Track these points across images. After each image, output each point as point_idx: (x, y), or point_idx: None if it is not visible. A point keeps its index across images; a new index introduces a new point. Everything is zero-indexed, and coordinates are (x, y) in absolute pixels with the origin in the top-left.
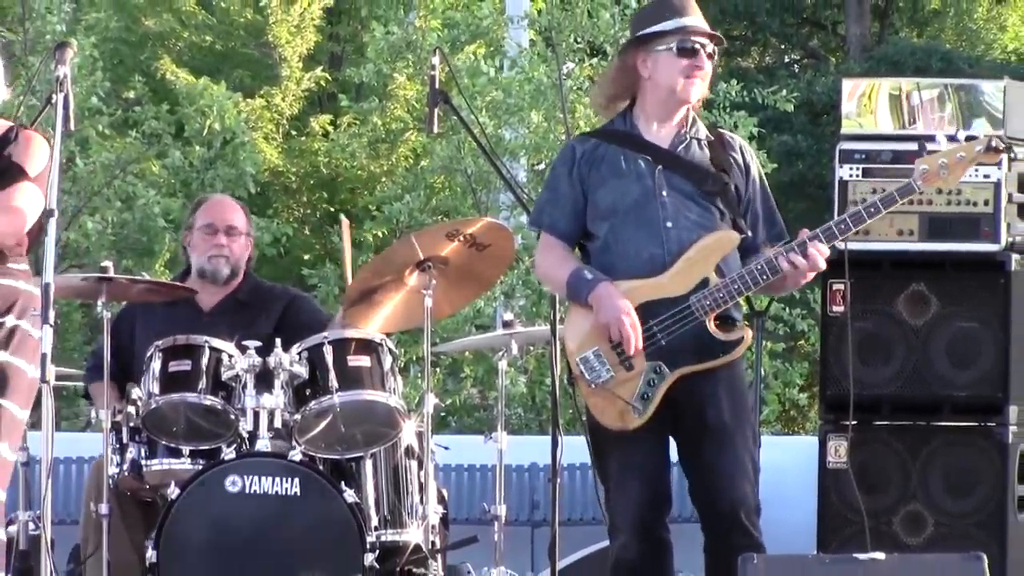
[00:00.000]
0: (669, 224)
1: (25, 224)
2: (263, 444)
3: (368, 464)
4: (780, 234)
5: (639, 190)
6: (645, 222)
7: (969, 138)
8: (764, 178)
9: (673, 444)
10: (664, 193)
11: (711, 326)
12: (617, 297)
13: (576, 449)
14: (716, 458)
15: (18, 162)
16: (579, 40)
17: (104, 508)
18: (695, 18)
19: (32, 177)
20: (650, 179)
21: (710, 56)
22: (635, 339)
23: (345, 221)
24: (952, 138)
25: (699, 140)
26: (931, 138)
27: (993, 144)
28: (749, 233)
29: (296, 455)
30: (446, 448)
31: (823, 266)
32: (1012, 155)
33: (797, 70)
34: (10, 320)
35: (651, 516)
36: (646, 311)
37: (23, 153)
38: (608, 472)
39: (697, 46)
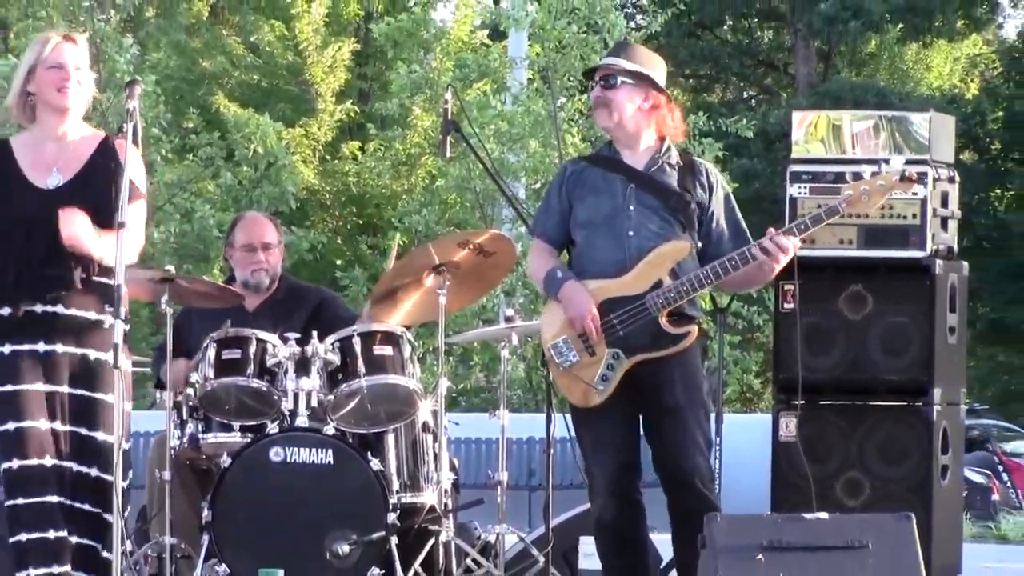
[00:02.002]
0: (631, 233)
1: (140, 246)
2: (302, 420)
3: (391, 437)
4: (746, 244)
5: (611, 205)
6: (613, 232)
7: (887, 163)
8: (731, 198)
9: None
10: (631, 207)
11: (663, 321)
12: (581, 294)
13: (567, 424)
14: (672, 434)
15: (134, 181)
16: (571, 79)
17: (167, 475)
18: (607, 58)
19: (140, 191)
20: (621, 196)
21: (605, 87)
22: (595, 330)
23: (396, 241)
24: (875, 166)
25: (671, 164)
26: (872, 162)
27: (907, 174)
28: (700, 244)
29: (329, 430)
30: (457, 424)
31: (785, 260)
32: (936, 175)
33: (754, 104)
34: (107, 320)
35: (624, 481)
36: (608, 306)
37: (135, 170)
38: (584, 445)
39: (593, 83)
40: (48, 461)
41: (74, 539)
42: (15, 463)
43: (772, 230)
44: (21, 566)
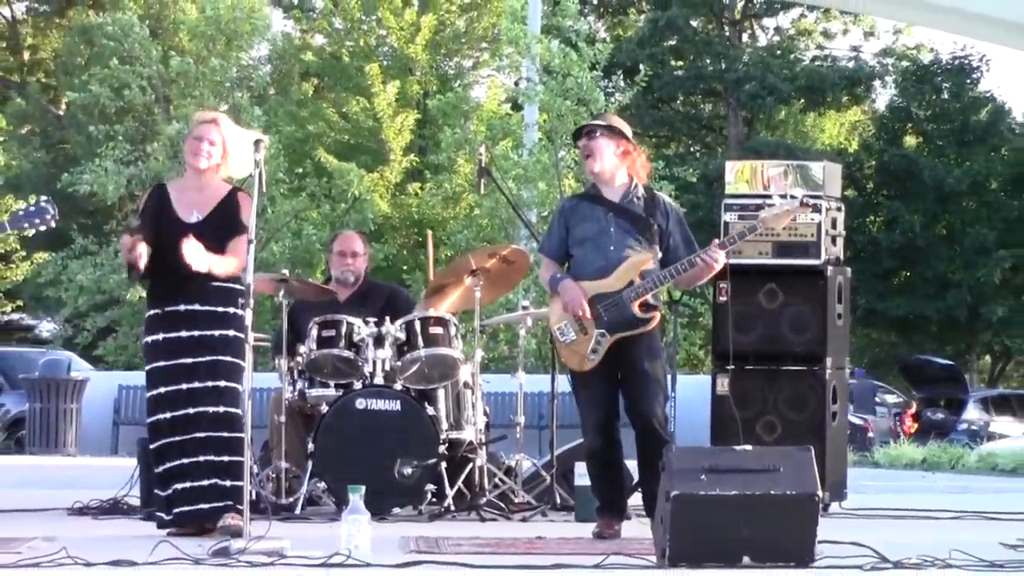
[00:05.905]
0: (612, 248)
1: (243, 267)
2: (378, 380)
3: (441, 392)
4: (695, 252)
5: (597, 228)
6: (599, 247)
7: (793, 197)
8: (683, 218)
9: None
10: (612, 230)
11: (635, 309)
12: (575, 288)
13: (566, 383)
14: (638, 389)
15: (242, 220)
16: (567, 139)
17: (282, 418)
18: (587, 122)
19: (247, 230)
20: (604, 221)
21: (589, 139)
22: (584, 313)
23: (429, 233)
24: (783, 197)
25: (639, 197)
26: (782, 196)
27: (804, 201)
28: (660, 255)
29: (398, 386)
30: (488, 382)
31: (718, 266)
32: (828, 206)
33: (698, 156)
34: (232, 310)
35: (607, 422)
36: (596, 299)
37: (245, 212)
38: (579, 397)
39: (580, 145)
40: (179, 412)
41: (217, 457)
42: (157, 417)
43: (716, 241)
44: (158, 461)
